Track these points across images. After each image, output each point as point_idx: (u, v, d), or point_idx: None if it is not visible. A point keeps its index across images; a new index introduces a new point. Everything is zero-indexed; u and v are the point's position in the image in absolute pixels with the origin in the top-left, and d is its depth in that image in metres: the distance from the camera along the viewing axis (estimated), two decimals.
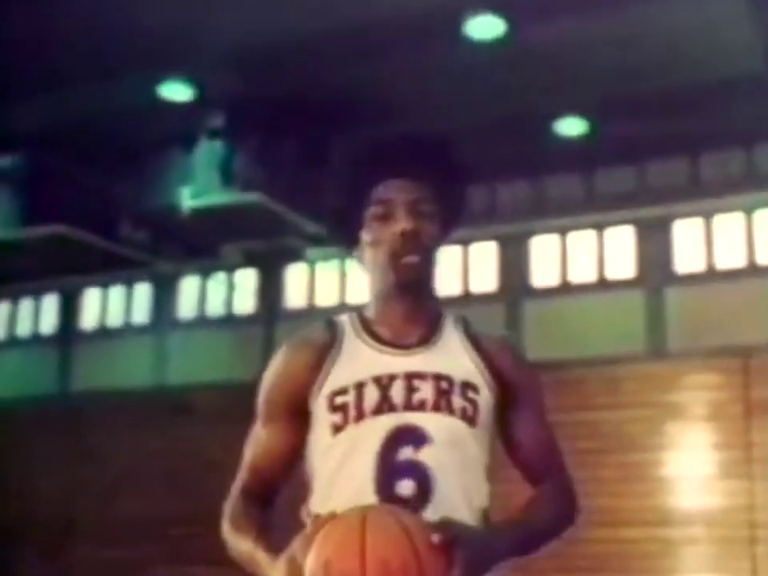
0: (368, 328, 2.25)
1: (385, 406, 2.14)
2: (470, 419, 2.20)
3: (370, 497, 2.08)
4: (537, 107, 13.24)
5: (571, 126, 13.92)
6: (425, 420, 2.14)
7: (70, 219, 14.82)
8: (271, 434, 2.29)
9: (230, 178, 13.62)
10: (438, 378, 2.19)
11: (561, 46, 11.61)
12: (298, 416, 2.23)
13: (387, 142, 2.35)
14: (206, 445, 16.45)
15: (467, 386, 2.22)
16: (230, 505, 2.31)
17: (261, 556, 2.06)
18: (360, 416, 2.14)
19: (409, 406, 2.15)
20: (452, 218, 2.38)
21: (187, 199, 13.87)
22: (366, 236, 2.26)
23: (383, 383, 2.16)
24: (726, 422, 14.01)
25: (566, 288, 15.58)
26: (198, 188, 13.76)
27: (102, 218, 15.25)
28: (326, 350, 2.22)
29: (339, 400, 2.15)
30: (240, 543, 2.18)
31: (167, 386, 17.83)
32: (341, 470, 2.15)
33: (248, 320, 17.71)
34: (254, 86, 12.85)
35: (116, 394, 17.66)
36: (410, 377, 2.17)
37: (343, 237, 2.34)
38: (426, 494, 2.07)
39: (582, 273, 15.54)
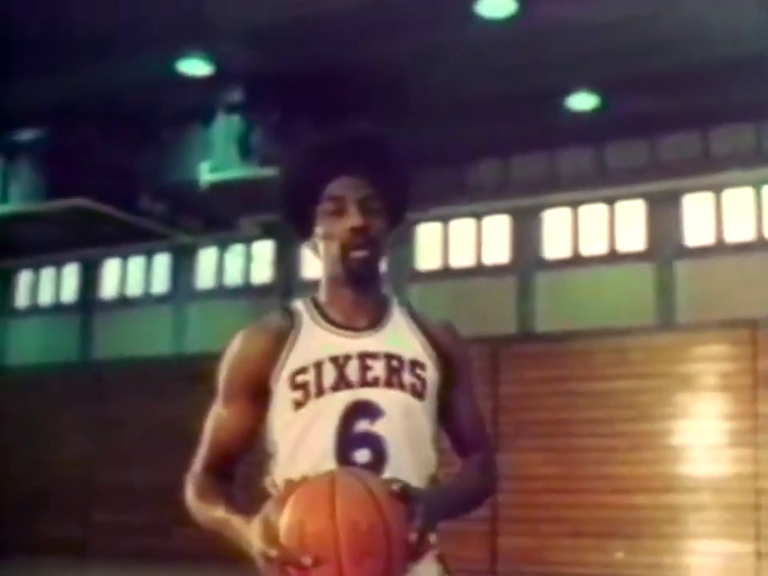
0: (322, 312, 2.40)
1: (342, 383, 2.29)
2: (418, 394, 2.32)
3: (330, 465, 2.22)
4: (549, 83, 13.33)
5: (583, 101, 14.00)
6: (378, 395, 2.29)
7: (90, 192, 15.02)
8: (231, 413, 2.39)
9: (247, 152, 13.81)
10: (389, 357, 2.33)
11: (571, 23, 11.68)
12: (256, 396, 2.35)
13: (337, 140, 2.45)
14: None
15: (415, 364, 2.34)
16: (194, 479, 2.47)
17: (235, 521, 2.21)
18: (320, 392, 2.28)
19: (364, 383, 2.30)
20: (398, 213, 2.47)
21: (206, 173, 14.08)
22: (319, 229, 2.39)
23: (340, 362, 2.31)
24: (733, 393, 14.25)
25: (577, 260, 15.77)
26: (216, 162, 13.97)
27: (122, 191, 15.39)
28: (285, 334, 2.36)
29: (300, 378, 2.29)
30: (210, 512, 2.35)
31: (186, 354, 18.15)
32: (303, 441, 2.29)
33: (265, 290, 17.98)
34: (272, 61, 13.01)
35: (136, 362, 18.04)
36: (364, 356, 2.32)
37: (298, 229, 2.47)
38: (381, 462, 2.23)
39: (593, 245, 15.71)
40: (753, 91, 13.19)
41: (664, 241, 15.19)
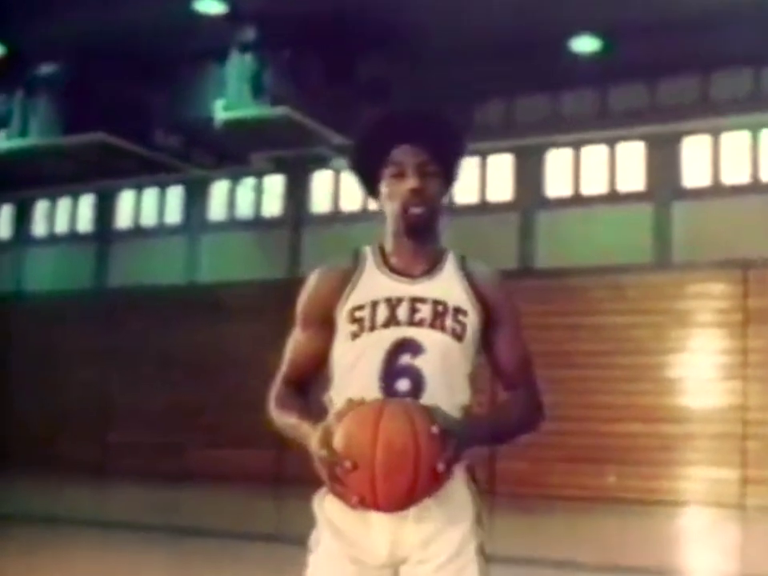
0: (385, 259, 2.68)
1: (392, 321, 2.57)
2: (458, 336, 2.58)
3: (375, 390, 2.51)
4: (553, 26, 13.52)
5: (586, 45, 14.22)
6: (422, 335, 2.56)
7: (107, 127, 15.35)
8: (305, 338, 2.70)
9: (260, 91, 14.10)
10: (435, 302, 2.60)
11: None
12: (325, 325, 2.63)
13: (399, 114, 2.73)
14: (235, 339, 17.39)
15: (458, 310, 2.61)
16: (275, 390, 2.73)
17: (304, 426, 2.52)
18: (372, 327, 2.56)
19: (411, 323, 2.57)
20: (451, 177, 2.73)
21: (220, 111, 14.36)
22: (384, 189, 2.66)
23: (392, 303, 2.58)
24: (725, 329, 14.79)
25: (578, 200, 16.16)
26: (229, 101, 14.25)
27: (138, 126, 15.68)
28: (350, 274, 2.64)
29: (357, 314, 2.58)
30: (286, 418, 2.62)
31: (198, 283, 18.67)
32: (354, 368, 2.57)
33: (275, 223, 18.41)
34: (285, 1, 13.27)
35: (150, 290, 18.51)
36: (414, 300, 2.59)
37: (368, 189, 2.73)
38: (419, 391, 2.52)
39: (594, 186, 16.09)
40: (752, 37, 13.37)
41: (662, 182, 15.54)
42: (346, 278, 2.64)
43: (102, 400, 18.66)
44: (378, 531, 2.54)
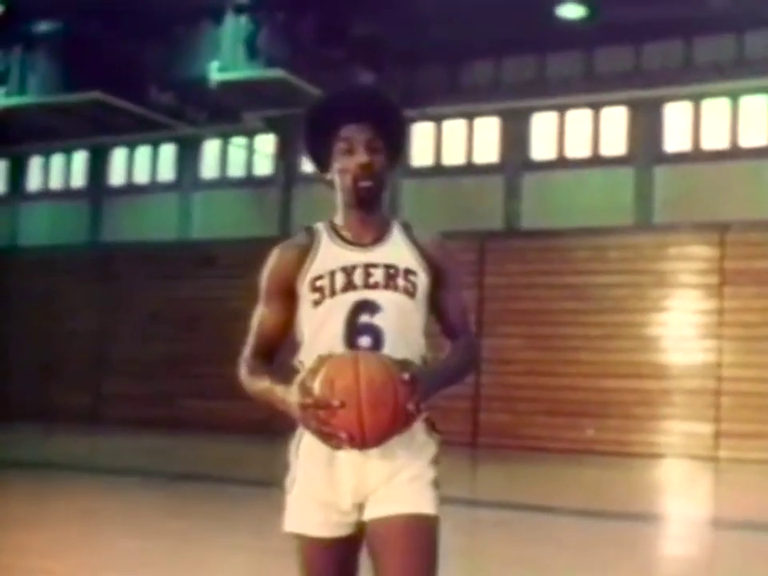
0: (337, 232, 2.89)
1: (349, 286, 2.79)
2: (410, 294, 2.82)
3: (340, 348, 2.72)
4: None
5: (571, 11, 14.54)
6: (377, 295, 2.79)
7: (103, 84, 15.58)
8: (269, 311, 2.90)
9: (255, 53, 14.39)
10: (387, 266, 2.82)
11: None
12: (287, 297, 2.85)
13: (346, 95, 2.98)
14: (226, 294, 17.70)
15: (408, 271, 2.84)
16: (244, 361, 2.89)
17: (277, 389, 2.70)
18: (332, 294, 2.78)
19: (366, 286, 2.80)
20: (396, 151, 2.94)
21: (215, 72, 14.64)
22: (335, 164, 2.86)
23: (348, 271, 2.80)
24: (702, 290, 15.29)
25: (562, 162, 16.53)
26: (224, 62, 14.54)
27: (133, 84, 15.88)
28: (307, 249, 2.84)
29: (318, 283, 2.79)
30: (258, 384, 2.80)
31: (191, 240, 19.02)
32: (320, 330, 2.78)
33: (266, 182, 18.71)
34: None
35: (143, 246, 18.86)
36: (367, 266, 2.82)
37: (319, 164, 2.94)
38: (379, 346, 2.74)
39: (578, 149, 16.43)
40: (734, 3, 13.69)
41: (644, 146, 15.92)
42: (303, 253, 2.85)
43: (95, 351, 19.04)
44: (344, 476, 2.77)
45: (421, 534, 2.77)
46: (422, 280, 2.86)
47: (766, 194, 14.97)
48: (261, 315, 2.93)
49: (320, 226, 2.93)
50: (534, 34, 15.19)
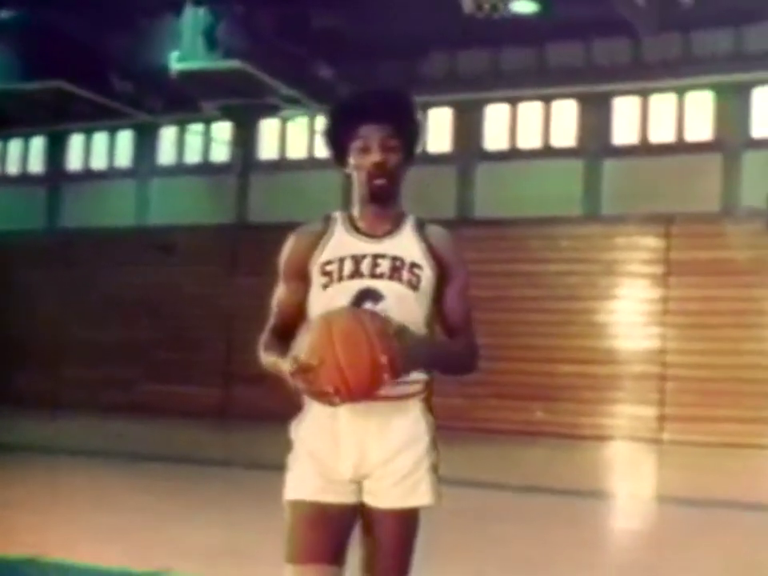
0: (352, 222, 3.01)
1: (356, 274, 2.90)
2: (413, 287, 2.92)
3: None
4: None
5: (524, 6, 14.81)
6: (382, 285, 2.90)
7: (65, 73, 15.70)
8: (286, 290, 3.05)
9: (213, 44, 14.59)
10: (394, 258, 2.93)
11: None
12: (302, 278, 2.98)
13: (365, 96, 3.07)
14: (184, 280, 18.05)
15: (414, 265, 2.94)
16: (263, 337, 3.04)
17: (280, 362, 2.81)
18: (340, 279, 2.90)
19: (372, 276, 2.90)
20: (411, 150, 3.03)
21: (174, 63, 14.79)
22: (351, 161, 2.98)
23: (357, 259, 2.92)
24: (648, 279, 15.82)
25: (514, 153, 16.94)
26: (184, 53, 14.66)
27: (93, 73, 16.01)
28: (322, 235, 2.98)
29: (327, 268, 2.91)
30: (269, 357, 2.94)
31: (148, 226, 19.16)
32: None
33: (223, 168, 18.90)
34: None
35: (101, 231, 18.93)
36: (375, 257, 2.93)
37: (337, 159, 3.05)
38: None
39: (530, 140, 16.84)
40: (683, 2, 13.89)
41: (594, 139, 16.40)
42: (318, 238, 2.98)
43: (55, 336, 19.14)
44: (345, 451, 2.88)
45: (406, 524, 2.95)
46: (427, 274, 2.96)
47: (711, 187, 15.51)
48: (279, 295, 3.08)
49: (337, 215, 3.06)
50: (487, 29, 15.43)
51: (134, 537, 7.12)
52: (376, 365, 2.64)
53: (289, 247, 3.05)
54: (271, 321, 3.09)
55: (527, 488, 10.09)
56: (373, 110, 2.98)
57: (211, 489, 9.56)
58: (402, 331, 2.74)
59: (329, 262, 2.94)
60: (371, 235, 2.99)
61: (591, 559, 7.08)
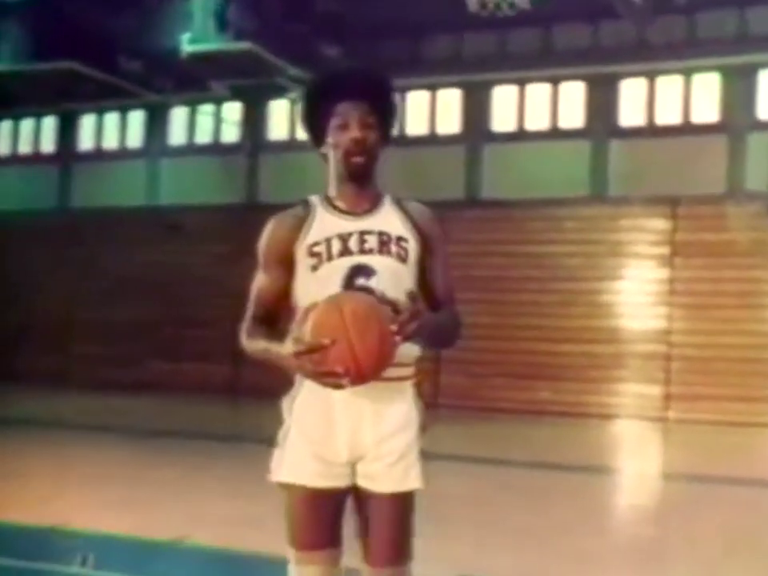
0: (331, 203, 3.00)
1: (345, 252, 2.90)
2: (402, 259, 2.93)
3: None
4: None
5: (525, 3, 14.90)
6: (372, 260, 2.90)
7: (76, 54, 15.84)
8: (267, 277, 3.02)
9: (224, 26, 14.73)
10: (380, 233, 2.94)
11: None
12: (284, 264, 2.95)
13: (344, 73, 3.07)
14: (193, 259, 18.21)
15: (400, 238, 2.96)
16: (245, 326, 3.01)
17: (273, 346, 2.81)
18: (329, 258, 2.89)
19: (361, 252, 2.91)
20: (387, 130, 3.04)
21: (185, 44, 14.92)
22: (329, 139, 2.96)
23: (344, 237, 2.91)
24: (653, 260, 15.92)
25: (521, 135, 17.02)
26: (195, 34, 14.80)
27: (104, 53, 16.16)
28: (304, 218, 2.96)
29: (315, 249, 2.90)
30: (257, 345, 2.93)
31: (158, 206, 19.28)
32: (318, 294, 2.81)
33: (233, 149, 19.00)
34: None
35: (111, 211, 19.04)
36: (362, 233, 2.93)
37: (315, 139, 3.03)
38: None
39: (537, 121, 16.92)
40: None
41: (600, 121, 16.46)
42: (300, 222, 2.96)
43: (65, 314, 19.29)
44: (340, 432, 2.89)
45: (404, 507, 2.96)
46: (413, 246, 2.99)
47: (716, 169, 15.59)
48: (259, 282, 3.06)
49: (314, 199, 3.04)
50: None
51: (152, 507, 7.31)
52: (385, 340, 2.65)
53: (270, 234, 3.02)
54: (252, 309, 3.07)
55: (532, 464, 10.24)
56: (351, 88, 2.99)
57: (224, 463, 9.77)
58: (414, 295, 2.74)
59: (316, 243, 2.93)
60: (353, 213, 2.99)
61: (594, 531, 7.23)
